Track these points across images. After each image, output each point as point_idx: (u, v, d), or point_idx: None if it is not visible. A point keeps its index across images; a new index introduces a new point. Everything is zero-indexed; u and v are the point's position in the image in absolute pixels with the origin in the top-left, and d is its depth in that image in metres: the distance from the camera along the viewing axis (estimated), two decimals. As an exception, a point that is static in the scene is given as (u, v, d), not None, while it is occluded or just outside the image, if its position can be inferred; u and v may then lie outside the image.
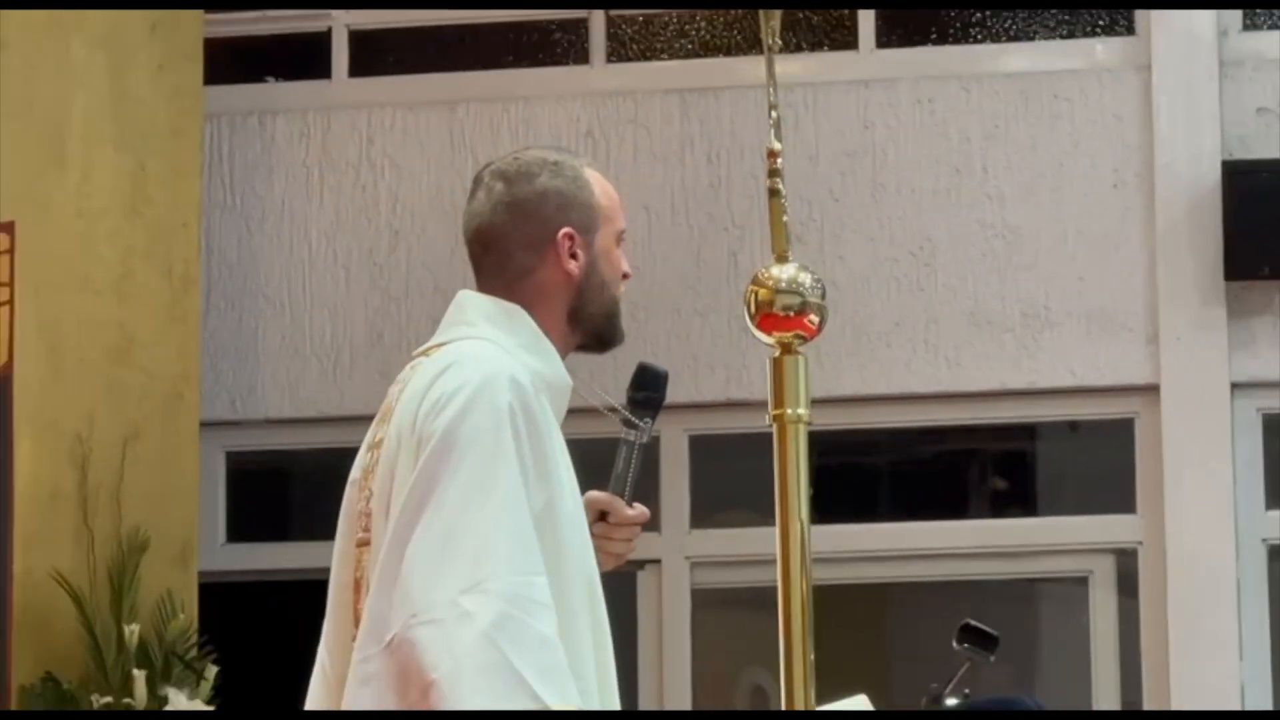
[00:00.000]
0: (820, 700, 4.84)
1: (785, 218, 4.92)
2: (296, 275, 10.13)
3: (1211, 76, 9.68)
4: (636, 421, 5.16)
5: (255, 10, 10.34)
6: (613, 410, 5.18)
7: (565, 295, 5.03)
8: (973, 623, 5.49)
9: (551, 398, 4.96)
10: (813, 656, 4.75)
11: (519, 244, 5.01)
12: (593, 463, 5.17)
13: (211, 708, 8.97)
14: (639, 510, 5.16)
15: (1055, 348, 9.68)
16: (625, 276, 5.13)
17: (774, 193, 4.87)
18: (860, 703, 5.24)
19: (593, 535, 5.07)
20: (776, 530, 4.77)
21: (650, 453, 5.27)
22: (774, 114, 4.95)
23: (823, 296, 4.81)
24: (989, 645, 5.48)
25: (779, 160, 4.87)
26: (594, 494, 5.12)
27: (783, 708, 4.74)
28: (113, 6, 9.39)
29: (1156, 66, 9.72)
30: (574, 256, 5.01)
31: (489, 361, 4.84)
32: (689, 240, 9.70)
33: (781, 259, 4.82)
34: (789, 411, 4.77)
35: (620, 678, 5.15)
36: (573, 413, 5.03)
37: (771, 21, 4.96)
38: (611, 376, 5.25)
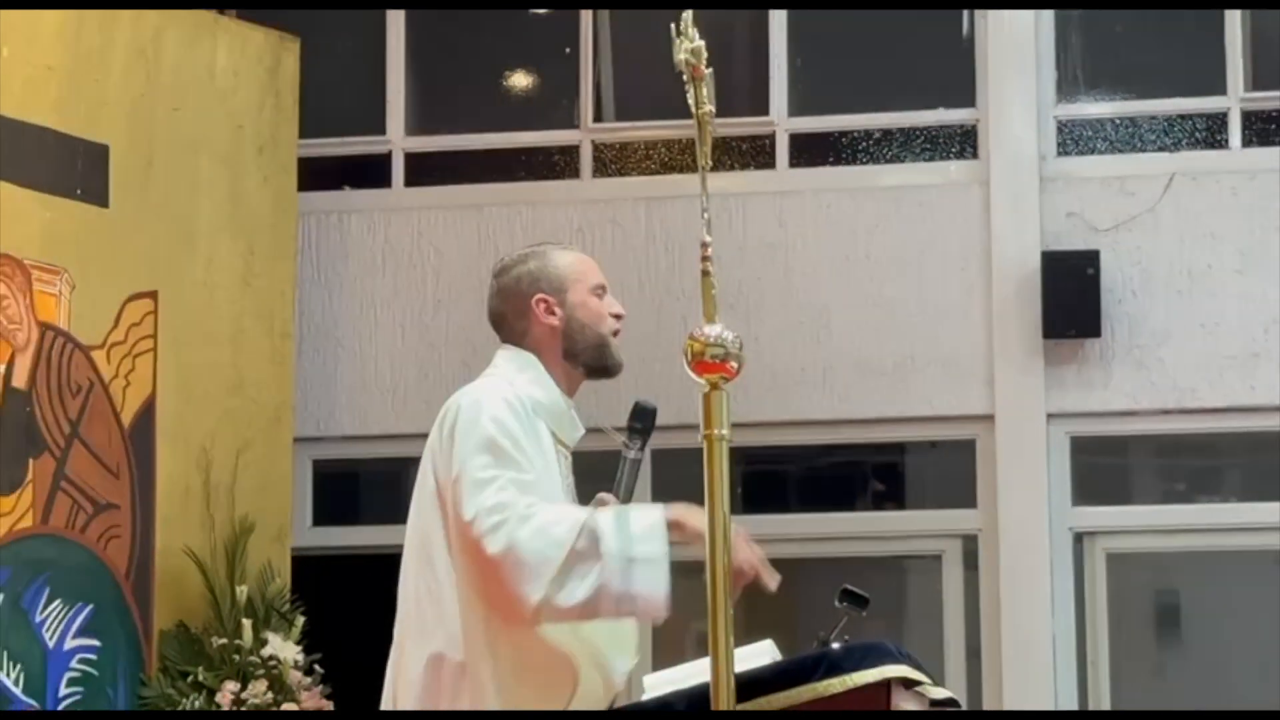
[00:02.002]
0: (737, 643, 4.82)
1: (714, 291, 4.89)
2: (365, 331, 10.12)
3: (1034, 189, 9.68)
4: (631, 444, 5.20)
5: (337, 137, 10.34)
6: (618, 430, 5.21)
7: (556, 342, 5.07)
8: (849, 587, 5.46)
9: (550, 418, 5.00)
10: (731, 612, 4.73)
11: (512, 316, 5.11)
12: (601, 471, 5.26)
13: (299, 646, 8.96)
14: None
15: (918, 387, 9.67)
16: (617, 316, 5.15)
17: (705, 273, 4.86)
18: (767, 647, 5.20)
19: None
20: (706, 517, 4.76)
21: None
22: (706, 215, 4.93)
23: (741, 349, 4.79)
24: (862, 604, 5.45)
25: (709, 249, 4.85)
26: (601, 494, 5.16)
27: (709, 651, 4.72)
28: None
29: (993, 182, 9.72)
30: (551, 313, 5.06)
31: (483, 390, 4.93)
32: (651, 308, 9.68)
33: (710, 321, 4.81)
34: (715, 431, 4.75)
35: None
36: (589, 435, 5.15)
37: (705, 147, 4.95)
38: (612, 409, 5.28)
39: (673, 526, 4.74)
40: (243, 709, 8.71)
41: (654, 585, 4.70)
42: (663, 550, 4.70)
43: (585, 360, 5.11)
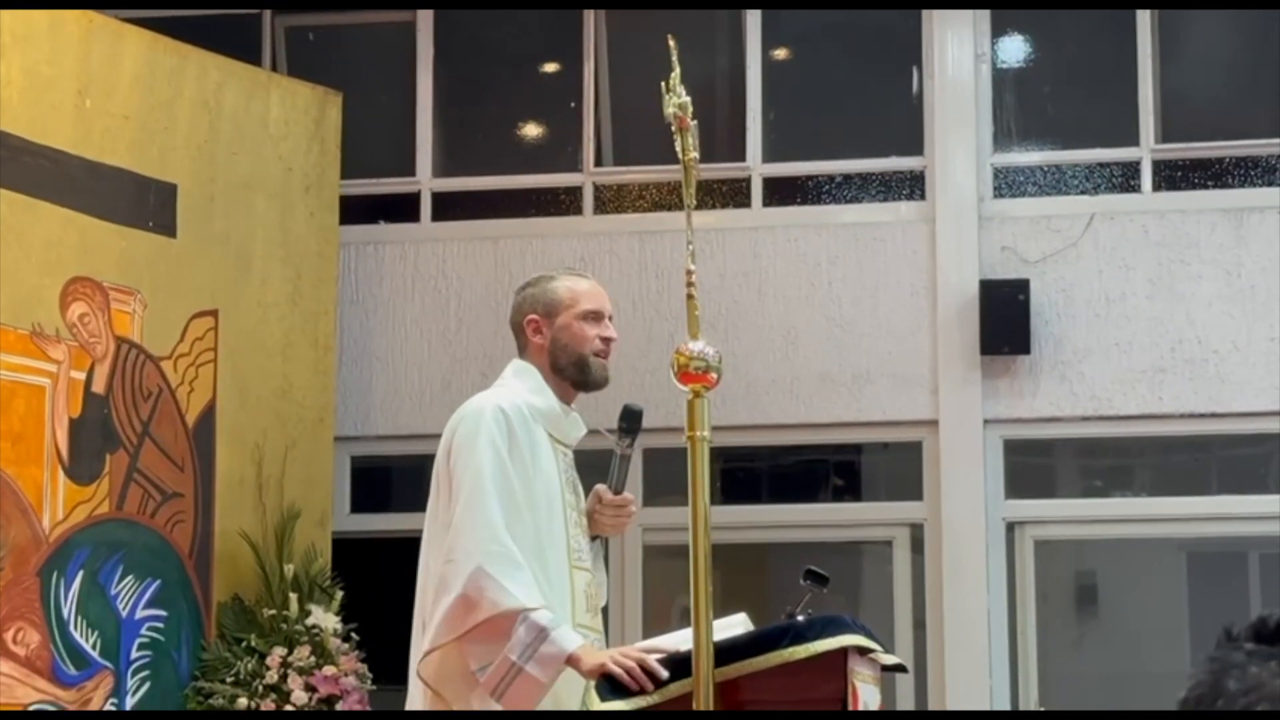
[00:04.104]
0: (715, 616, 4.83)
1: (697, 313, 4.92)
2: (396, 345, 10.12)
3: (973, 226, 9.69)
4: (621, 443, 5.21)
5: (373, 178, 10.34)
6: (610, 431, 5.22)
7: (545, 357, 5.12)
8: (812, 567, 5.44)
9: (547, 422, 5.02)
10: (710, 589, 4.74)
11: (515, 330, 5.15)
12: (596, 467, 5.24)
13: (338, 617, 8.96)
14: (623, 497, 5.20)
15: (873, 396, 9.68)
16: (605, 340, 5.16)
17: (690, 297, 4.88)
18: (741, 619, 5.22)
19: (594, 513, 5.14)
20: (689, 507, 4.77)
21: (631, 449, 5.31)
22: (691, 247, 4.95)
23: (719, 362, 4.81)
24: (823, 582, 5.44)
25: (693, 277, 4.87)
26: (597, 486, 5.18)
27: (691, 623, 4.73)
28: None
29: (939, 220, 9.72)
30: (539, 333, 5.10)
31: (483, 398, 4.98)
32: (644, 326, 9.70)
33: (694, 338, 4.82)
34: (698, 433, 4.78)
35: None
36: (586, 435, 5.20)
37: (690, 189, 4.97)
38: (609, 414, 5.28)
39: (570, 662, 4.72)
40: (289, 670, 8.71)
41: (523, 699, 4.69)
42: (549, 679, 4.68)
43: (569, 375, 5.14)
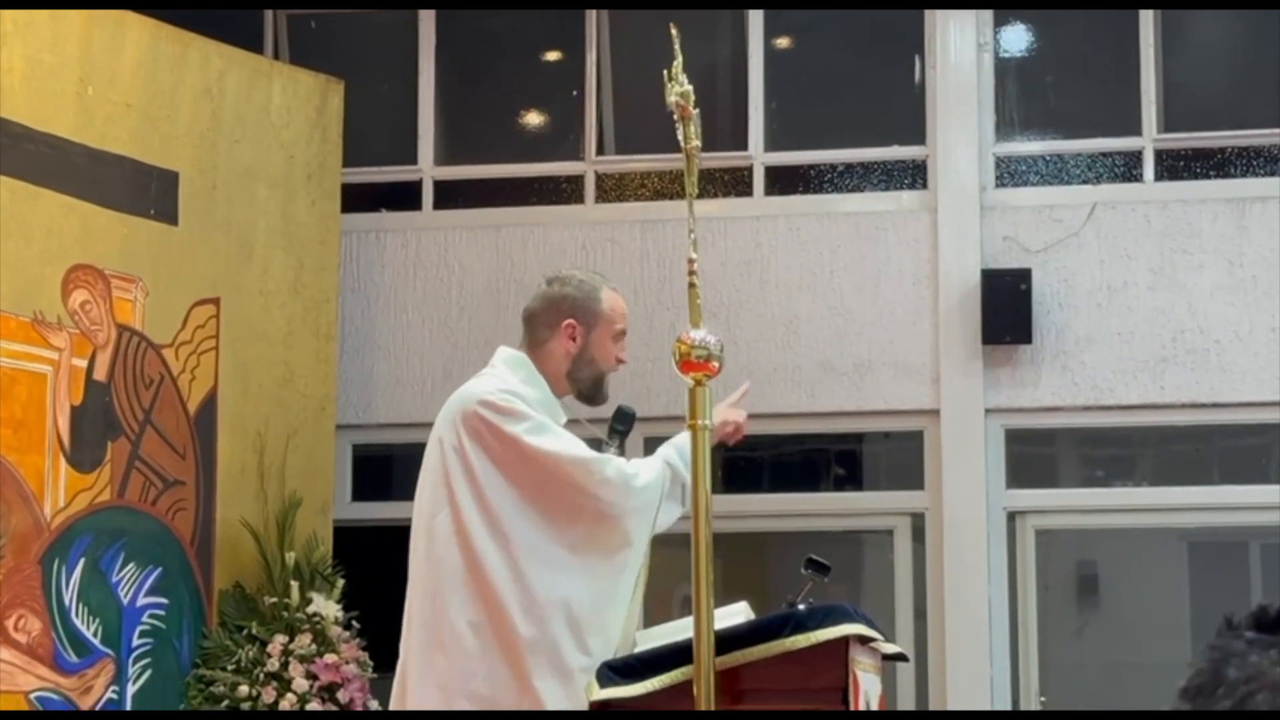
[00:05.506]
0: (717, 605, 4.83)
1: (699, 301, 4.93)
2: (398, 334, 10.12)
3: (975, 216, 9.68)
4: (610, 442, 5.22)
5: (375, 166, 10.34)
6: (594, 422, 5.22)
7: (564, 361, 5.11)
8: (813, 556, 5.45)
9: (542, 410, 5.04)
10: (712, 577, 4.75)
11: (543, 322, 5.12)
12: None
13: (339, 605, 8.96)
14: None
15: (874, 385, 9.68)
16: (620, 361, 5.17)
17: (691, 286, 4.88)
18: (742, 608, 5.22)
19: None
20: (690, 496, 4.77)
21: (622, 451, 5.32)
22: (692, 236, 4.95)
23: (721, 351, 4.82)
24: (824, 571, 5.45)
25: (695, 265, 4.87)
26: None
27: (691, 612, 4.73)
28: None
29: (941, 209, 9.72)
30: (573, 339, 5.08)
31: (483, 385, 4.99)
32: (646, 315, 9.69)
33: (695, 327, 4.83)
34: (699, 422, 4.78)
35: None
36: (571, 426, 5.16)
37: (692, 177, 4.97)
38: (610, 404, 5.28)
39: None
40: (290, 658, 8.72)
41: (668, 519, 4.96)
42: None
43: (581, 387, 5.14)
